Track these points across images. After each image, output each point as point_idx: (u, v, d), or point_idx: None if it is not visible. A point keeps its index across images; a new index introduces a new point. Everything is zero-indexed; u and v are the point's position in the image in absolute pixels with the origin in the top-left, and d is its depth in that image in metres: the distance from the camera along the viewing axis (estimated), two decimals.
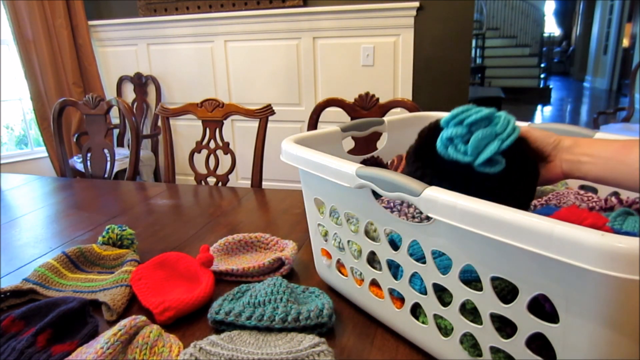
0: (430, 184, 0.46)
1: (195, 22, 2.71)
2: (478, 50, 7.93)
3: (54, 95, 2.80)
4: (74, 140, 2.75)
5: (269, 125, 1.54)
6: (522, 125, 0.64)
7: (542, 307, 0.42)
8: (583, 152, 0.53)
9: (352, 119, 1.52)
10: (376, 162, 0.86)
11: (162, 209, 1.19)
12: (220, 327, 0.63)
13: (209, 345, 0.56)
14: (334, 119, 1.51)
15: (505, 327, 0.46)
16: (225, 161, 1.64)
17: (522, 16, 8.76)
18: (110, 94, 3.06)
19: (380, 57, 2.44)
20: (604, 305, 0.35)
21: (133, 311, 0.70)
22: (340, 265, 0.69)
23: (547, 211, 0.57)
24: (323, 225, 0.69)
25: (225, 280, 0.78)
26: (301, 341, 0.56)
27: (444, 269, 0.49)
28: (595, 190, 0.71)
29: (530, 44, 8.69)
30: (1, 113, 2.87)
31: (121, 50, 2.97)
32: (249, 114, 1.50)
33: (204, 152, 1.56)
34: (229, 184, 1.52)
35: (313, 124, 1.53)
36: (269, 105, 1.49)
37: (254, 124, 1.54)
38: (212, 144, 1.56)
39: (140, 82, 2.94)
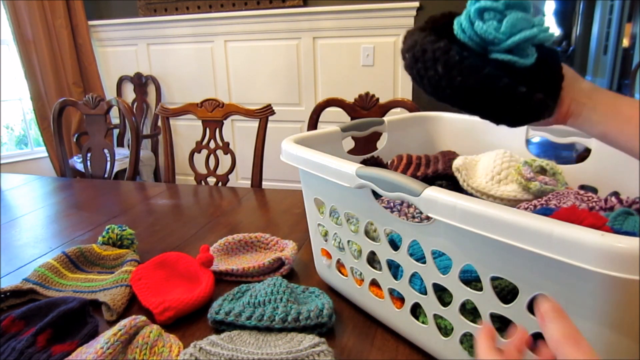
0: (461, 58, 0.42)
1: (195, 22, 2.71)
2: None
3: (54, 95, 2.80)
4: (74, 140, 2.75)
5: (269, 125, 1.54)
6: None
7: None
8: (596, 99, 0.47)
9: (352, 119, 1.52)
10: (376, 162, 0.86)
11: (162, 209, 1.19)
12: (220, 327, 0.63)
13: (209, 345, 0.56)
14: (334, 119, 1.51)
15: (505, 327, 0.46)
16: (225, 161, 1.64)
17: None
18: (110, 94, 3.06)
19: (380, 57, 2.44)
20: (604, 305, 0.35)
21: (133, 311, 0.70)
22: (340, 265, 0.69)
23: (546, 211, 0.57)
24: (323, 225, 0.69)
25: (225, 280, 0.78)
26: (301, 341, 0.56)
27: (444, 269, 0.49)
28: (595, 190, 0.71)
29: None
30: (1, 113, 2.87)
31: (121, 50, 2.97)
32: (249, 114, 1.50)
33: (204, 152, 1.56)
34: (229, 184, 1.52)
35: (313, 124, 1.53)
36: (269, 105, 1.49)
37: (254, 124, 1.54)
38: (212, 144, 1.56)
39: (140, 82, 2.94)
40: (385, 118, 0.87)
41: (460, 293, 0.47)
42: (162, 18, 2.75)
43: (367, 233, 0.60)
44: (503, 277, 0.42)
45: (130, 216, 1.13)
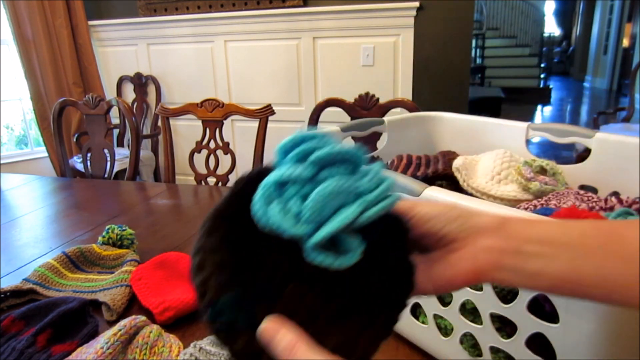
0: (216, 284, 0.27)
1: (195, 22, 2.71)
2: (478, 50, 7.93)
3: (54, 95, 2.80)
4: (74, 140, 2.75)
5: (269, 125, 1.54)
6: (406, 197, 0.45)
7: (542, 307, 0.42)
8: (526, 237, 0.29)
9: (352, 119, 1.52)
10: None
11: (162, 209, 1.19)
12: None
13: (209, 345, 0.56)
14: (334, 119, 1.51)
15: (505, 327, 0.46)
16: (225, 161, 1.64)
17: (522, 16, 8.76)
18: (110, 94, 3.06)
19: (380, 57, 2.44)
20: (604, 305, 0.35)
21: (133, 311, 0.70)
22: None
23: (546, 211, 0.57)
24: None
25: None
26: None
27: None
28: (595, 190, 0.71)
29: (530, 44, 8.70)
30: (1, 113, 2.87)
31: (121, 50, 2.97)
32: (249, 114, 1.50)
33: (204, 152, 1.56)
34: (229, 184, 1.52)
35: (313, 124, 1.53)
36: (269, 105, 1.49)
37: (254, 124, 1.54)
38: (212, 144, 1.56)
39: (140, 82, 2.94)
40: (385, 118, 0.87)
41: (460, 293, 0.47)
42: (162, 18, 2.75)
43: None
44: None
45: (130, 216, 1.13)
